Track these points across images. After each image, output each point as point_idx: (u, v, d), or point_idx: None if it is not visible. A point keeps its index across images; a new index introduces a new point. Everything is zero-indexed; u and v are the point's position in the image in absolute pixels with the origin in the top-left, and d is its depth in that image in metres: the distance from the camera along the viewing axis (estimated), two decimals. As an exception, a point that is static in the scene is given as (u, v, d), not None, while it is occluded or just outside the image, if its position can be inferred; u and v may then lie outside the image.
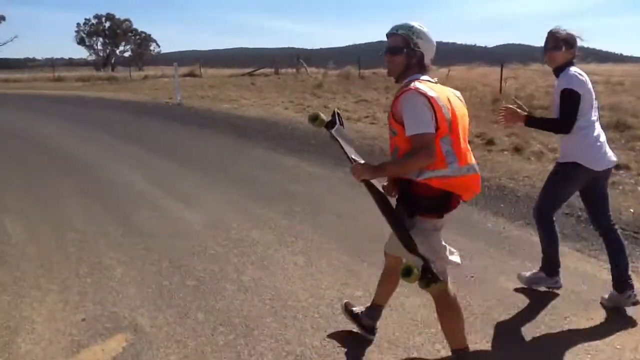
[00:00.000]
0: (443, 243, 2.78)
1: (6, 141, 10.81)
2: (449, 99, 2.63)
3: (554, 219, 3.90)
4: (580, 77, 3.54)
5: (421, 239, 2.63)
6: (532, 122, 3.68)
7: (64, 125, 13.25)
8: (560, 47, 3.61)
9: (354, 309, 3.41)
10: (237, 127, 11.71)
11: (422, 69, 2.73)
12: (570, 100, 3.51)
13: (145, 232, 5.32)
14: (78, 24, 69.54)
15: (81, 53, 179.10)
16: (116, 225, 5.52)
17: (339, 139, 2.84)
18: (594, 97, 3.64)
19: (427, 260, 2.57)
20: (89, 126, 12.92)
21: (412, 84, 2.60)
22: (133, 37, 73.37)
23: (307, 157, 8.81)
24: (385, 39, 2.81)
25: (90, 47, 70.38)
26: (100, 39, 70.40)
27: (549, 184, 3.84)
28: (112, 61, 70.09)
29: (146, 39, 75.26)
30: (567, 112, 3.52)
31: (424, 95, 2.54)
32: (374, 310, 3.33)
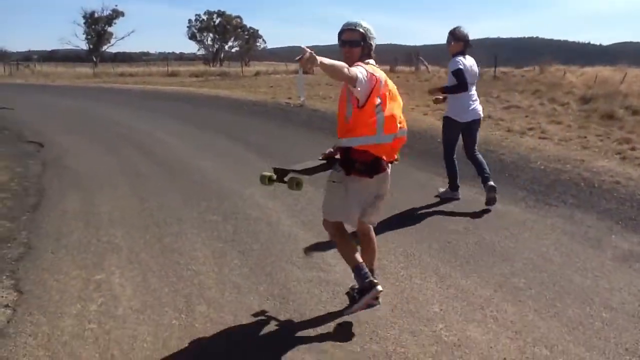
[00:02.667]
0: (353, 204, 3.39)
1: (119, 151, 9.55)
2: (386, 81, 3.30)
3: (455, 159, 6.08)
4: (461, 62, 5.66)
5: (338, 193, 3.38)
6: (447, 89, 5.82)
7: (185, 132, 11.81)
8: (450, 41, 5.76)
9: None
10: (377, 138, 9.83)
11: (370, 57, 3.35)
12: (459, 74, 5.61)
13: (306, 314, 3.56)
14: (190, 20, 70.94)
15: (191, 48, 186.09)
16: (261, 295, 3.83)
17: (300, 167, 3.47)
18: (475, 76, 5.88)
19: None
20: (211, 133, 11.50)
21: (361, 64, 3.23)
22: (242, 33, 74.01)
23: (488, 187, 6.74)
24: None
25: (200, 42, 71.67)
26: (211, 35, 71.47)
27: (442, 134, 6.14)
28: (221, 56, 71.01)
29: (254, 35, 75.84)
30: (460, 81, 5.62)
31: (371, 73, 3.16)
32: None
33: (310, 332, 3.35)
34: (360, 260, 3.43)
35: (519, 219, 5.51)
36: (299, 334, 3.34)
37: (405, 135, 3.42)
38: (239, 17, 72.53)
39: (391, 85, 3.35)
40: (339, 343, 3.22)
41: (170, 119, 13.67)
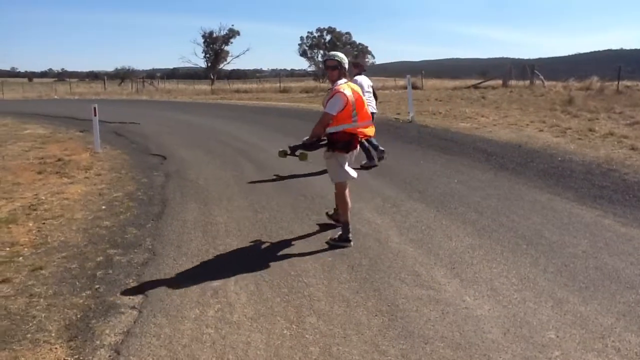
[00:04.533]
0: (347, 167, 5.30)
1: (235, 165, 10.03)
2: (353, 91, 5.15)
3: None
4: (356, 81, 7.98)
5: (335, 164, 5.28)
6: None
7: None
8: (351, 68, 8.02)
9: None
10: (489, 156, 9.53)
11: (344, 77, 5.23)
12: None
13: (415, 332, 3.55)
14: (301, 37, 72.91)
15: (302, 64, 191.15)
16: (370, 310, 3.86)
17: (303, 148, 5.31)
18: (364, 89, 8.14)
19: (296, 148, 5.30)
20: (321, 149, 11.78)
21: (339, 88, 5.08)
22: (351, 49, 74.91)
23: (611, 208, 6.32)
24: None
25: (311, 59, 73.33)
26: (321, 51, 72.95)
27: None
28: (331, 72, 72.13)
29: (363, 51, 76.44)
30: None
31: (344, 94, 5.01)
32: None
33: (419, 351, 3.34)
34: (349, 219, 5.31)
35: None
36: (407, 352, 3.33)
37: (372, 123, 5.43)
38: (348, 33, 73.66)
39: (357, 90, 5.24)
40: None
41: (282, 135, 14.09)
